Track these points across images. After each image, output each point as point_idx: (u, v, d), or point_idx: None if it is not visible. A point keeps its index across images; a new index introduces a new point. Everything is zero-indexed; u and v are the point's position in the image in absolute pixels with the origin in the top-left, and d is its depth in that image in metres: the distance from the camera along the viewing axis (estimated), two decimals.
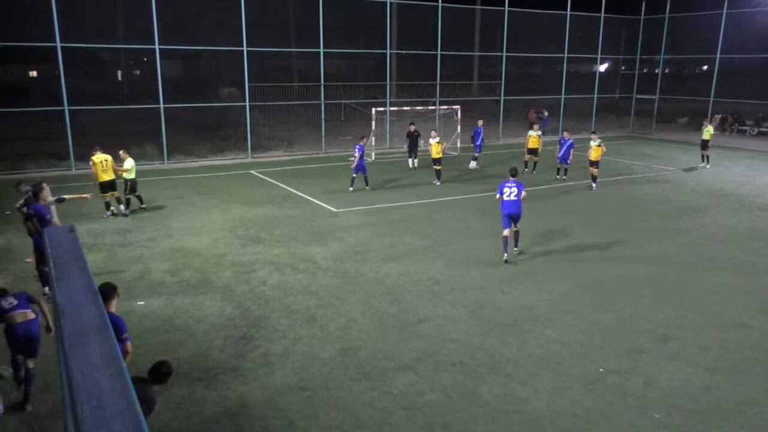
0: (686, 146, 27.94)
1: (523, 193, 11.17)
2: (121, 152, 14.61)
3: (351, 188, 17.21)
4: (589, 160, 18.01)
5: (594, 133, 19.13)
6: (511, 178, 11.33)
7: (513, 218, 11.26)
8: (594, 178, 17.88)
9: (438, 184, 18.33)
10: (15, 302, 6.58)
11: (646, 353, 7.75)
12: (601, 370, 7.30)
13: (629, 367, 7.37)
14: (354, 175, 17.22)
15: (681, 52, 32.65)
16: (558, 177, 19.09)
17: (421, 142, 20.94)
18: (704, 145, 22.16)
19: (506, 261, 11.19)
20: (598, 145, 17.82)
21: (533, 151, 20.40)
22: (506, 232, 11.18)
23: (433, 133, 19.09)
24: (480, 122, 21.73)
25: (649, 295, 9.73)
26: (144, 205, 14.69)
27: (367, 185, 17.37)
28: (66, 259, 1.52)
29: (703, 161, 22.41)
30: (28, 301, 6.74)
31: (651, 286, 10.13)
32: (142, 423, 0.85)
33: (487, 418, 6.32)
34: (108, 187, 13.87)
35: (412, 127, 20.99)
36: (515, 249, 11.58)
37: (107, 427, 0.82)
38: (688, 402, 6.64)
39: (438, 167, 18.51)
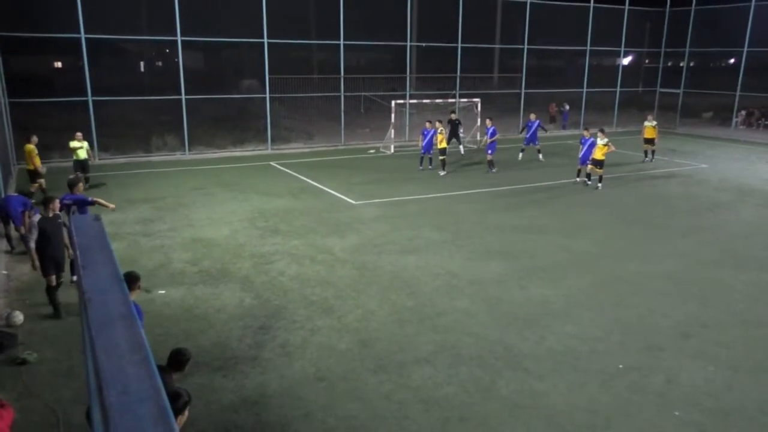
0: (711, 141, 27.48)
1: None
2: (78, 134, 15.83)
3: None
4: (592, 159, 16.84)
5: (602, 131, 17.15)
6: (533, 119, 20.84)
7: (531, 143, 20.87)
8: (600, 178, 16.83)
9: (442, 174, 18.54)
10: None
11: (666, 350, 7.66)
12: (621, 366, 7.23)
13: (649, 364, 7.29)
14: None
15: (707, 45, 31.99)
16: (579, 179, 17.67)
17: (461, 130, 22.11)
18: None
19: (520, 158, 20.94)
20: (605, 144, 16.61)
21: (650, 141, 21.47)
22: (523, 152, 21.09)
23: (438, 124, 19.08)
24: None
25: (670, 292, 9.61)
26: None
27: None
28: (92, 248, 1.54)
29: None
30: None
31: (672, 283, 10.00)
32: (168, 409, 0.86)
33: (505, 412, 6.30)
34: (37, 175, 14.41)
35: (453, 116, 21.75)
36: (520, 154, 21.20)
37: (133, 413, 0.83)
38: (710, 400, 6.56)
39: (443, 157, 18.67)
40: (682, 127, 31.63)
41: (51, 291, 8.45)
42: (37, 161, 14.50)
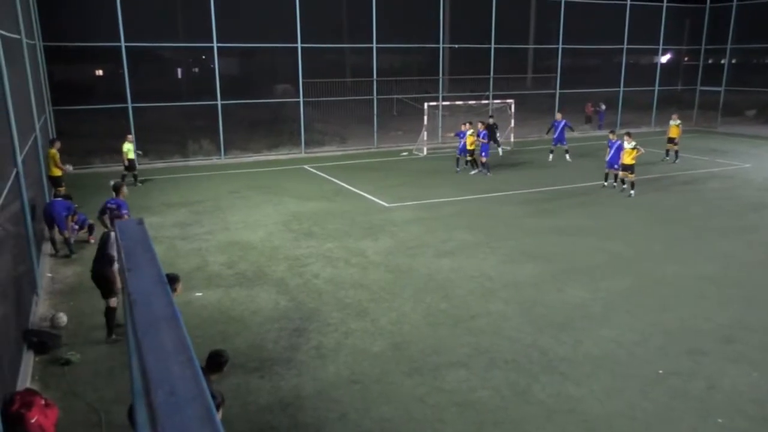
0: (755, 140, 26.60)
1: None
2: (129, 136, 17.31)
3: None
4: (621, 164, 16.08)
5: (628, 134, 16.23)
6: (559, 119, 20.98)
7: (559, 143, 21.00)
8: (632, 185, 15.98)
9: (473, 172, 19.03)
10: None
11: (708, 355, 7.45)
12: (661, 371, 7.06)
13: (690, 369, 7.11)
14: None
15: (750, 41, 30.97)
16: (606, 184, 16.87)
17: (498, 133, 22.46)
18: None
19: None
20: (633, 148, 15.77)
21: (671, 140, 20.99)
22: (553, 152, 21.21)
23: (468, 125, 19.12)
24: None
25: (711, 295, 9.34)
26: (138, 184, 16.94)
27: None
28: (136, 250, 1.58)
29: None
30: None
31: (714, 286, 9.72)
32: (213, 409, 0.88)
33: (541, 417, 6.22)
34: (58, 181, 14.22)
35: (491, 120, 22.00)
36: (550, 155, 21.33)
37: (181, 413, 0.86)
38: (754, 407, 6.35)
39: (471, 158, 19.18)
40: (724, 125, 30.69)
41: (111, 313, 7.81)
42: (57, 171, 14.10)
